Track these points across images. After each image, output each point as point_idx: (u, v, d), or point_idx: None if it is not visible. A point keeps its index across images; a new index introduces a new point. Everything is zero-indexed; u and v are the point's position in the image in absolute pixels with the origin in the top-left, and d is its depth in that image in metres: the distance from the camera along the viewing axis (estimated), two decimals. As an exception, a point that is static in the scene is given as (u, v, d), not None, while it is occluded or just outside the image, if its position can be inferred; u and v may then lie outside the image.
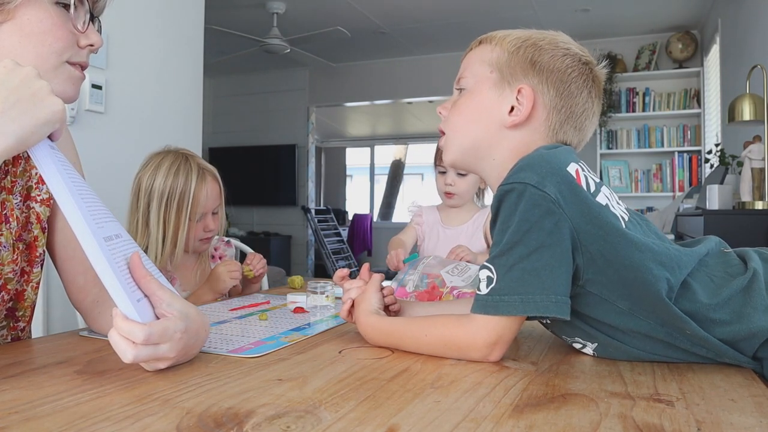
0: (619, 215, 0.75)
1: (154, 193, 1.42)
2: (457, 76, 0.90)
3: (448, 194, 1.75)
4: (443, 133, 0.90)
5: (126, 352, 0.67)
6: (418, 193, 9.78)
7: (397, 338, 0.83)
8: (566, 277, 0.72)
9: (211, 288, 1.48)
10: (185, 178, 1.44)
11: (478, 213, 1.75)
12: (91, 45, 0.86)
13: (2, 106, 0.66)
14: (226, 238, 1.73)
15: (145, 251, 1.43)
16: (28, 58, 0.79)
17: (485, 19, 5.19)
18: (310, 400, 0.60)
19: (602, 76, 0.87)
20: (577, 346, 0.83)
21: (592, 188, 0.75)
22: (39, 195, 0.93)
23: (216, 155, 7.25)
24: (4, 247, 0.86)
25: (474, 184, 1.74)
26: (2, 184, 0.88)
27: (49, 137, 0.73)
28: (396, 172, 9.49)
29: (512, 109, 0.83)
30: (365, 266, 1.11)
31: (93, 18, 0.88)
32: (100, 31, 0.91)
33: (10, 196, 0.89)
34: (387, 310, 0.94)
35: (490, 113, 0.84)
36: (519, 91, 0.83)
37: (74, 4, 0.82)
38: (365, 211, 8.74)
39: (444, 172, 1.74)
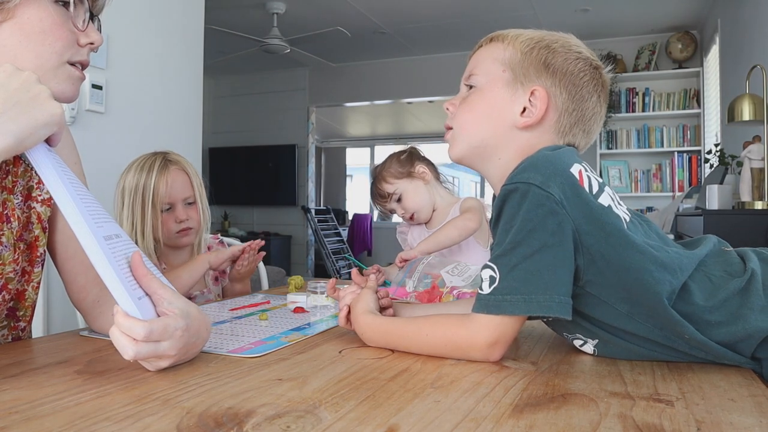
0: (621, 216, 0.75)
1: (125, 191, 1.47)
2: (466, 72, 0.89)
3: (411, 219, 1.74)
4: (449, 129, 0.89)
5: (127, 349, 0.67)
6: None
7: (396, 338, 0.83)
8: (568, 277, 0.72)
9: (204, 256, 1.49)
10: (147, 172, 1.48)
11: (454, 207, 1.71)
12: (92, 43, 0.85)
13: (2, 107, 0.66)
14: (220, 237, 1.73)
15: None
16: (28, 57, 0.79)
17: (485, 20, 5.19)
18: (310, 400, 0.60)
19: (609, 80, 0.88)
20: (578, 343, 0.83)
21: (595, 189, 0.75)
22: (40, 195, 0.93)
23: (216, 155, 7.25)
24: (5, 246, 0.87)
25: (418, 192, 1.70)
26: (3, 184, 0.88)
27: (48, 142, 0.73)
28: (396, 172, 9.47)
29: (524, 110, 0.83)
30: (354, 271, 1.11)
31: (92, 17, 0.88)
32: (99, 29, 0.91)
33: (11, 196, 0.89)
34: (382, 312, 0.93)
35: (502, 112, 0.84)
36: (532, 93, 0.82)
37: (74, 2, 0.82)
38: (365, 211, 8.73)
39: (394, 210, 1.72)
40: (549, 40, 0.84)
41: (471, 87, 0.88)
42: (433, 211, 1.74)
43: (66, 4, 0.82)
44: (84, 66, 0.86)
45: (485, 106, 0.85)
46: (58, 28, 0.81)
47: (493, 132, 0.84)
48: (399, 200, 1.71)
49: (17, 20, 0.78)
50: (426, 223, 1.77)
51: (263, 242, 1.58)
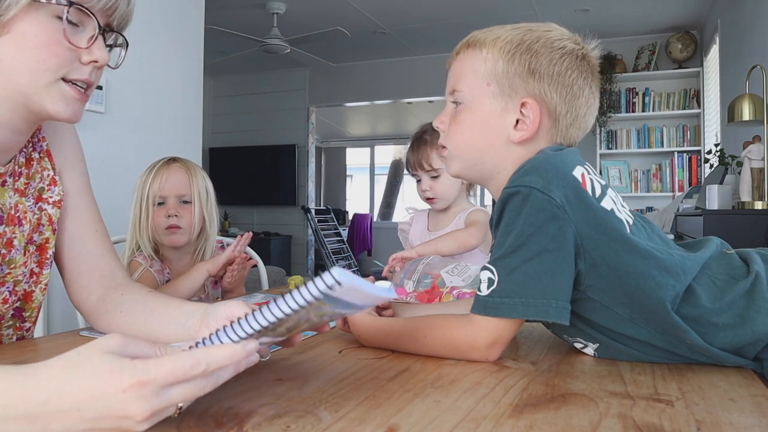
0: (624, 220, 0.74)
1: (134, 193, 1.50)
2: (449, 86, 0.86)
3: (428, 200, 1.69)
4: (445, 148, 0.87)
5: None
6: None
7: (394, 339, 0.82)
8: (568, 282, 0.72)
9: (203, 264, 1.50)
10: (150, 169, 1.49)
11: (460, 215, 1.67)
12: (95, 61, 0.80)
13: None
14: (223, 243, 1.72)
15: (138, 248, 1.49)
16: (22, 73, 0.77)
17: (485, 20, 5.18)
18: (310, 400, 0.60)
19: (596, 62, 0.84)
20: (578, 345, 0.83)
21: (598, 192, 0.74)
22: (51, 197, 0.92)
23: (216, 155, 7.25)
24: (17, 250, 0.86)
25: (454, 182, 1.64)
26: (16, 186, 0.88)
27: None
28: (396, 172, 9.49)
29: (517, 122, 0.80)
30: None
31: (109, 32, 0.84)
32: (123, 46, 0.87)
33: (23, 198, 0.89)
34: (379, 312, 0.93)
35: (495, 128, 0.81)
36: (523, 105, 0.80)
37: (66, 18, 0.77)
38: (365, 211, 8.74)
39: (419, 180, 1.67)
40: (529, 41, 0.80)
41: (458, 104, 0.84)
42: (448, 207, 1.70)
43: (70, 20, 0.78)
44: (88, 85, 0.82)
45: (476, 123, 0.82)
46: (54, 44, 0.77)
47: (488, 149, 0.82)
48: (436, 178, 1.65)
49: (13, 34, 0.76)
50: (429, 220, 1.76)
51: (251, 234, 1.58)
